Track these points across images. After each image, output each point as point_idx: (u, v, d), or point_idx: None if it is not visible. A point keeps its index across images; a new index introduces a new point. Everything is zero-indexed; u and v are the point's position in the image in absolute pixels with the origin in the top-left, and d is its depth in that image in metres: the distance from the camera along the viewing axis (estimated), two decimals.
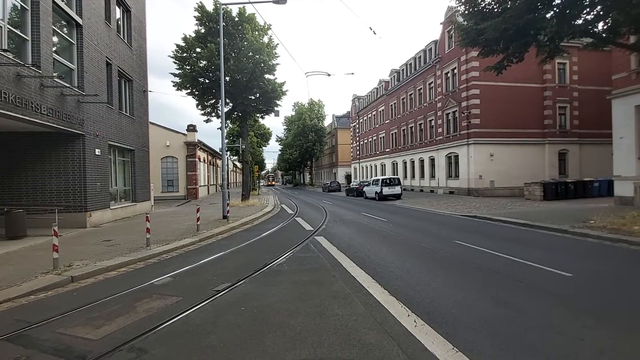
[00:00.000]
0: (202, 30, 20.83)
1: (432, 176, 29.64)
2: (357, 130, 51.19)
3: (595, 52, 13.64)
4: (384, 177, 26.06)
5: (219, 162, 41.76)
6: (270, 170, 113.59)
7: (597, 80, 23.44)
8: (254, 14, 20.88)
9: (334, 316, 3.98)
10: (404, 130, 34.91)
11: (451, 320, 3.78)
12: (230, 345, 3.36)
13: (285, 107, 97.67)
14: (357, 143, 50.91)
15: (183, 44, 20.40)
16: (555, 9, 10.48)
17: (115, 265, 6.58)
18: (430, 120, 29.72)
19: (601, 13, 10.05)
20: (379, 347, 3.22)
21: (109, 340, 3.49)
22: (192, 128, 28.49)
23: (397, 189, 23.89)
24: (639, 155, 13.51)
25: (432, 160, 29.44)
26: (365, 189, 27.42)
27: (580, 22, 10.53)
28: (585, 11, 10.25)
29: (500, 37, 10.96)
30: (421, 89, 31.20)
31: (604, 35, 10.88)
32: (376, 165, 42.70)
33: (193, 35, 20.71)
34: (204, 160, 33.27)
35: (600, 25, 10.82)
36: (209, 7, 20.75)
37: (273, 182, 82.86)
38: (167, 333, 3.68)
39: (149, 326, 3.79)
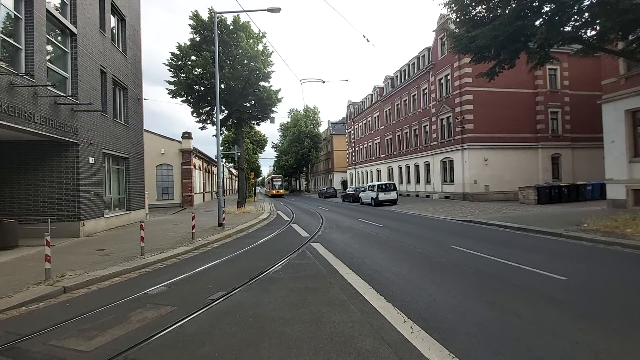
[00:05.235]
0: (197, 39, 20.93)
1: (428, 181, 29.78)
2: (353, 136, 51.42)
3: (585, 58, 13.88)
4: (379, 182, 26.13)
5: (214, 169, 41.63)
6: (269, 174, 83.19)
7: (588, 85, 23.87)
8: (248, 22, 21.01)
9: (330, 323, 3.95)
10: (399, 135, 35.14)
11: (447, 326, 3.78)
12: (226, 355, 3.32)
13: (281, 114, 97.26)
14: (353, 149, 51.10)
15: (178, 52, 20.46)
16: (544, 16, 10.70)
17: (108, 275, 6.49)
18: (424, 126, 29.96)
19: (589, 20, 10.27)
20: (376, 355, 3.20)
21: (102, 352, 3.44)
22: (187, 135, 28.45)
23: (392, 195, 23.95)
24: (630, 159, 13.71)
25: (427, 165, 29.61)
26: (361, 194, 27.45)
27: (569, 29, 10.76)
28: (573, 18, 10.48)
29: (492, 44, 11.15)
30: (415, 95, 31.50)
31: (592, 41, 11.10)
32: (372, 171, 42.83)
33: (188, 43, 20.79)
34: (200, 168, 33.16)
35: (589, 31, 11.05)
36: (204, 15, 20.87)
37: (281, 191, 51.65)
38: (161, 343, 3.63)
39: (143, 337, 3.74)
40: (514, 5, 10.76)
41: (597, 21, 9.92)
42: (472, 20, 11.87)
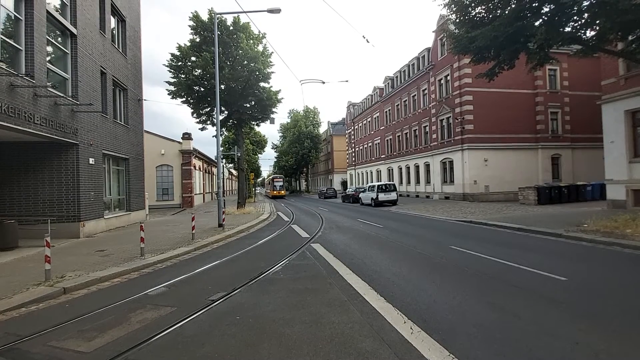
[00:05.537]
0: (197, 39, 20.97)
1: (428, 182, 29.78)
2: (353, 137, 51.43)
3: (584, 58, 13.88)
4: (379, 183, 26.13)
5: (214, 170, 41.64)
6: (269, 175, 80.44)
7: (587, 85, 23.87)
8: (248, 23, 21.05)
9: (330, 324, 3.95)
10: (399, 136, 35.15)
11: (447, 327, 3.78)
12: (226, 356, 3.32)
13: (281, 114, 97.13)
14: (353, 149, 51.11)
15: (178, 53, 20.49)
16: (543, 16, 10.71)
17: (108, 276, 6.49)
18: (424, 127, 29.97)
19: (589, 20, 10.27)
20: (376, 355, 3.20)
21: (102, 353, 3.44)
22: (187, 136, 28.48)
23: (392, 195, 23.94)
24: (630, 159, 13.71)
25: (427, 165, 29.61)
26: (361, 195, 27.44)
27: (568, 29, 10.76)
28: (573, 19, 10.48)
29: (491, 45, 11.16)
30: (415, 95, 31.52)
31: (592, 42, 11.11)
32: (372, 172, 42.83)
33: (188, 44, 20.82)
34: (200, 168, 33.18)
35: (589, 32, 11.06)
36: (204, 16, 20.89)
37: (282, 192, 49.56)
38: (161, 344, 3.63)
39: (142, 337, 3.74)
40: (513, 6, 10.76)
41: (597, 22, 9.92)
42: (472, 21, 11.87)
